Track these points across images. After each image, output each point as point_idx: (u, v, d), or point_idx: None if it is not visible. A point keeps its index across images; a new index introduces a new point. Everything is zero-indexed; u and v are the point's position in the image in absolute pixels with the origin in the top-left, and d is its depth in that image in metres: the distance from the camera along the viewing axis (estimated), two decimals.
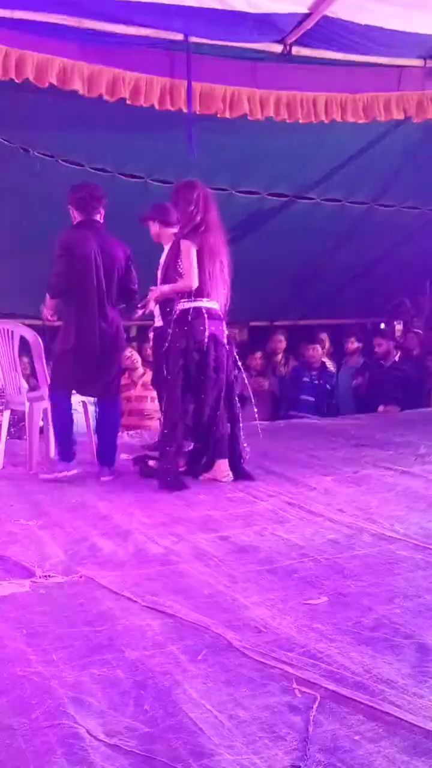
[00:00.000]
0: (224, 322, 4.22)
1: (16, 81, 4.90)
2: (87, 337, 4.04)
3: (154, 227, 4.77)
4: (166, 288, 4.20)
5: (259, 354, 7.28)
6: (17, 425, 5.15)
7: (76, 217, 4.24)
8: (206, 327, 4.01)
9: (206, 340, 3.99)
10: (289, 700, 1.67)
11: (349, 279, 8.06)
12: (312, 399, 6.74)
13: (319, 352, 6.91)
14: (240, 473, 4.04)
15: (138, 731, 1.55)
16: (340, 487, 3.78)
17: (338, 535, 2.94)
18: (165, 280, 4.70)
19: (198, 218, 4.11)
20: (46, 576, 2.55)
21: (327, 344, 7.40)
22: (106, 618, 2.16)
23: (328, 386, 6.82)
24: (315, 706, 1.63)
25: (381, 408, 6.54)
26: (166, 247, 4.75)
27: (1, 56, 4.82)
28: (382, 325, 8.19)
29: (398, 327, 7.77)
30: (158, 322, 4.87)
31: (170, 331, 4.07)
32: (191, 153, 5.47)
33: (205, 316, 4.03)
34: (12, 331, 4.45)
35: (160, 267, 4.78)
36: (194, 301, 4.06)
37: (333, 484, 3.85)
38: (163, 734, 1.53)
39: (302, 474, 4.07)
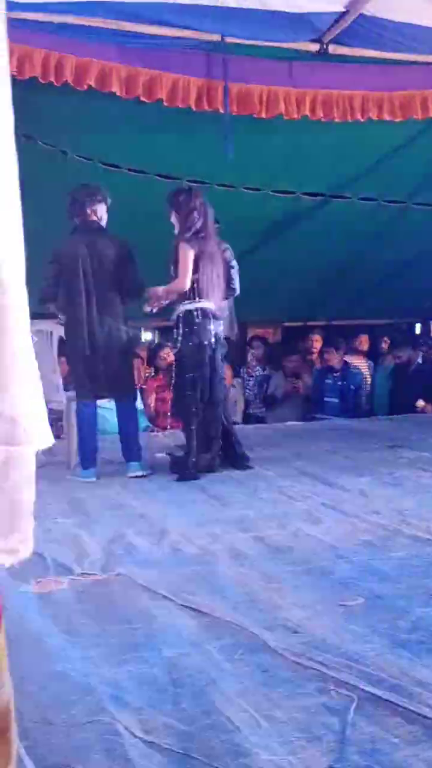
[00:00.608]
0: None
1: (56, 84, 4.96)
2: (78, 341, 4.07)
3: None
4: (160, 290, 4.27)
5: (295, 357, 7.25)
6: (55, 424, 5.23)
7: (75, 221, 4.28)
8: (213, 327, 4.22)
9: (213, 339, 4.22)
10: (325, 701, 1.67)
11: (385, 278, 7.99)
12: (336, 400, 6.70)
13: (334, 354, 6.83)
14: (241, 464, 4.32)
15: (175, 729, 1.57)
16: (376, 488, 3.76)
17: (374, 537, 2.92)
18: None
19: (199, 224, 4.31)
20: (83, 574, 2.58)
21: (320, 344, 7.29)
22: (143, 616, 2.18)
23: (352, 386, 6.75)
24: (352, 708, 1.62)
25: (420, 402, 6.45)
26: None
27: (41, 59, 4.89)
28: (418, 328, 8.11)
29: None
30: None
31: (179, 330, 4.22)
32: (228, 154, 5.49)
33: (210, 316, 4.22)
34: (51, 332, 4.52)
35: None
36: (198, 301, 4.22)
37: (368, 485, 3.83)
38: (201, 732, 1.55)
39: (337, 475, 4.05)
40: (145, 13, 5.09)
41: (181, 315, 4.25)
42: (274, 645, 1.96)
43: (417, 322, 8.79)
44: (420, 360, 6.61)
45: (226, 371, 4.93)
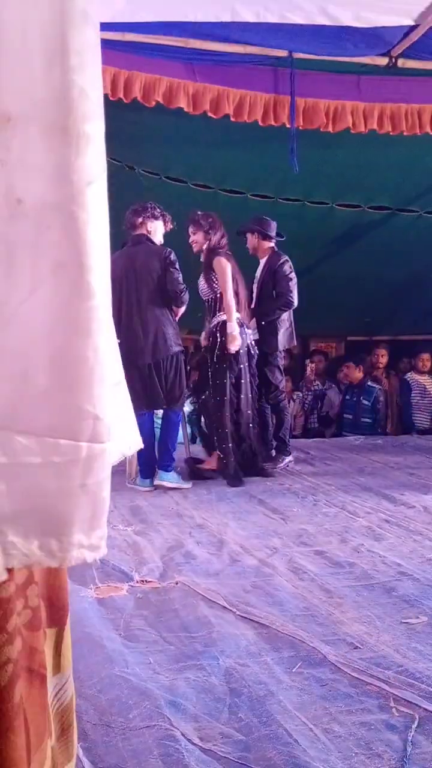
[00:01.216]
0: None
1: (125, 101, 5.08)
2: (128, 353, 4.07)
3: (253, 239, 4.82)
4: (230, 325, 4.33)
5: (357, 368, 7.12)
6: None
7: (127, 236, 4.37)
8: (245, 336, 4.43)
9: (245, 348, 4.44)
10: (386, 718, 1.64)
11: None
12: (350, 417, 6.58)
13: (353, 370, 6.69)
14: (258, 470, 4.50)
15: (232, 738, 1.56)
16: None
17: None
18: (261, 295, 4.75)
19: (225, 243, 4.47)
20: (143, 581, 2.60)
21: (386, 359, 7.13)
22: (202, 625, 2.18)
23: (366, 402, 6.58)
24: (414, 726, 1.58)
25: None
26: (262, 261, 4.79)
27: (111, 77, 5.02)
28: None
29: None
30: (254, 335, 4.90)
31: (217, 340, 4.36)
32: (293, 168, 5.50)
33: (243, 326, 4.43)
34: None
35: (256, 281, 4.83)
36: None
37: None
38: (258, 743, 1.53)
39: (400, 491, 3.97)
40: (215, 32, 5.15)
41: (219, 325, 4.35)
42: (334, 659, 1.93)
43: None
44: None
45: (285, 383, 4.97)
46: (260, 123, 5.49)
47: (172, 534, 3.22)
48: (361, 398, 6.57)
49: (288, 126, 5.50)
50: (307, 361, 6.97)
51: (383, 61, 5.55)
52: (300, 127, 5.58)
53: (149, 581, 2.60)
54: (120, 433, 1.10)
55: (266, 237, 4.84)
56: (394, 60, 5.54)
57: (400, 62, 5.55)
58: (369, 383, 6.65)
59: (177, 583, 2.56)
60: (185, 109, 5.23)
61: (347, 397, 6.72)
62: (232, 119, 5.40)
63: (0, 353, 0.85)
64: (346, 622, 2.19)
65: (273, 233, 4.86)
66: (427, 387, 6.80)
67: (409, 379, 6.88)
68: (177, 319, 4.30)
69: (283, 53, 5.40)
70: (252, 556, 2.88)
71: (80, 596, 2.40)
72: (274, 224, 4.91)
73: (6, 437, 0.85)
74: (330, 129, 5.65)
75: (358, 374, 6.66)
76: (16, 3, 0.82)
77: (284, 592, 2.47)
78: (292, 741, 1.53)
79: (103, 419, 0.90)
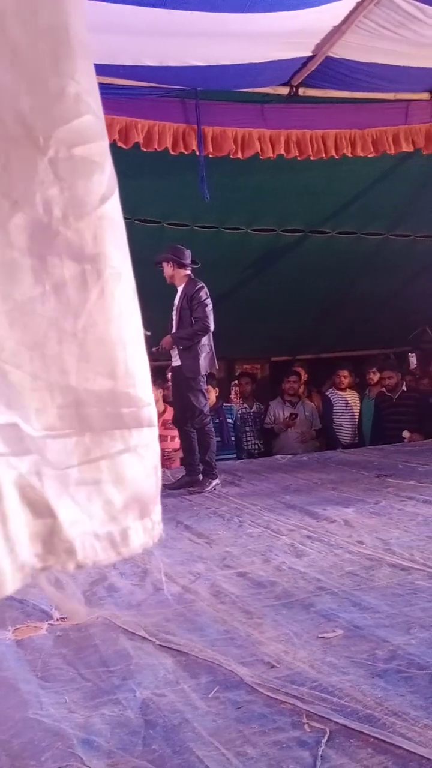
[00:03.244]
0: None
1: None
2: None
3: (168, 268, 4.87)
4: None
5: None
6: None
7: None
8: None
9: None
10: (299, 735, 1.65)
11: (369, 310, 8.07)
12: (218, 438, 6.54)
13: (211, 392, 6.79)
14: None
15: None
16: (361, 518, 3.75)
17: (357, 567, 2.91)
18: (180, 321, 4.80)
19: None
20: (63, 618, 2.56)
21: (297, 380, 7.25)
22: (120, 658, 2.16)
23: (229, 422, 6.55)
24: (324, 741, 1.61)
25: (406, 434, 6.46)
26: (180, 288, 4.84)
27: None
28: (391, 356, 8.14)
29: (411, 358, 7.70)
30: (176, 361, 4.94)
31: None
32: (204, 195, 5.59)
33: None
34: None
35: (175, 308, 4.88)
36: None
37: (354, 515, 3.81)
38: None
39: (323, 506, 4.04)
40: (118, 72, 5.22)
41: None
42: (250, 681, 1.94)
43: (406, 352, 8.83)
44: (405, 387, 6.61)
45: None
46: (171, 151, 5.58)
47: (95, 568, 3.18)
48: (220, 419, 6.55)
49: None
50: (233, 383, 7.03)
51: (284, 90, 5.75)
52: (210, 155, 5.70)
53: (69, 618, 2.56)
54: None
55: (182, 265, 4.90)
56: (295, 89, 5.74)
57: (301, 91, 5.76)
58: (225, 406, 6.69)
59: (98, 618, 2.53)
60: None
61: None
62: (142, 148, 5.46)
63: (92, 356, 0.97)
64: (264, 641, 2.21)
65: (188, 261, 4.92)
66: (348, 402, 6.96)
67: (330, 395, 7.02)
68: None
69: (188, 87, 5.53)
70: (175, 584, 2.88)
71: None
72: (188, 252, 4.97)
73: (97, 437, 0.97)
74: (240, 155, 5.80)
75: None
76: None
77: (205, 617, 2.47)
78: None
79: (152, 404, 1.04)
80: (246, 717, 1.76)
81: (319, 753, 1.56)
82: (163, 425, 5.95)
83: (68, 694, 1.95)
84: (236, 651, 2.16)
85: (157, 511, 1.05)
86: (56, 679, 2.05)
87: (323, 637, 2.21)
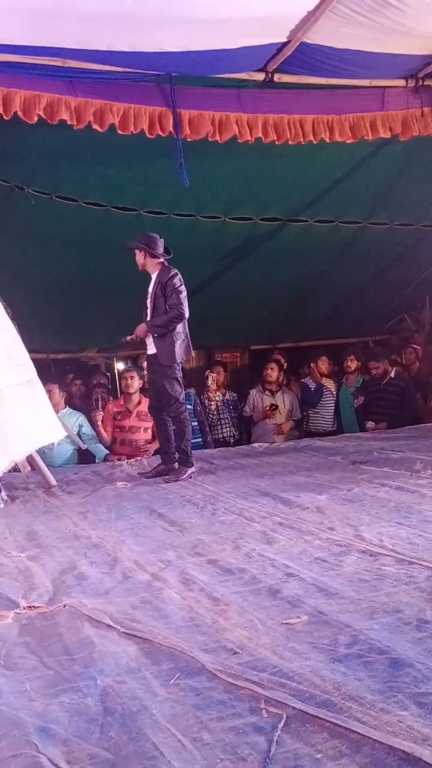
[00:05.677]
0: None
1: (5, 117, 5.00)
2: None
3: (140, 256, 4.84)
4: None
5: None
6: None
7: None
8: None
9: None
10: (255, 721, 1.66)
11: (347, 298, 8.08)
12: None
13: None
14: None
15: (100, 758, 1.54)
16: (334, 505, 3.76)
17: (326, 554, 2.92)
18: (154, 309, 4.78)
19: None
20: (30, 607, 2.55)
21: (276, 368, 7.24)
22: (84, 646, 2.15)
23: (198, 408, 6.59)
24: (280, 726, 1.61)
25: (370, 425, 6.51)
26: (153, 276, 4.82)
27: None
28: (371, 344, 8.17)
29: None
30: (150, 349, 4.92)
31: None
32: (183, 181, 5.54)
33: None
34: None
35: (149, 296, 4.85)
36: None
37: (327, 502, 3.83)
38: (124, 760, 1.52)
39: (296, 493, 4.05)
40: (93, 57, 5.15)
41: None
42: (211, 667, 1.94)
43: (384, 338, 8.86)
44: (392, 374, 6.64)
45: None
46: (147, 134, 5.49)
47: (66, 557, 3.17)
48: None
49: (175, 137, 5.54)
50: (207, 372, 7.01)
51: (260, 76, 5.70)
52: (188, 138, 5.62)
53: (36, 607, 2.54)
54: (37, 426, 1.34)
55: (153, 255, 4.87)
56: (270, 75, 5.69)
57: (276, 77, 5.71)
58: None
59: (65, 606, 2.52)
60: (68, 122, 5.18)
61: None
62: (118, 131, 5.38)
63: None
64: (229, 628, 2.21)
65: (159, 250, 4.88)
66: (326, 389, 6.97)
67: (308, 383, 7.03)
68: None
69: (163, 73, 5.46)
70: (144, 572, 2.87)
71: None
72: (161, 241, 4.93)
73: None
74: (218, 138, 5.71)
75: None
76: None
77: (172, 604, 2.47)
78: (158, 754, 1.53)
79: None
80: (205, 703, 1.76)
81: (275, 738, 1.56)
82: (137, 416, 5.92)
83: (29, 682, 1.94)
84: (200, 638, 2.16)
85: None
86: (18, 668, 2.04)
87: (287, 624, 2.22)
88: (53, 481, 4.81)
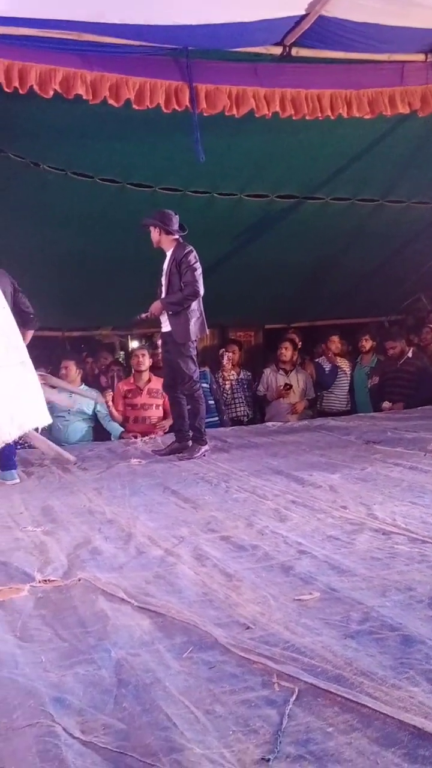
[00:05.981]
0: None
1: (21, 91, 4.95)
2: None
3: (155, 233, 4.82)
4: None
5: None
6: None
7: None
8: None
9: None
10: (268, 694, 1.68)
11: (363, 277, 8.02)
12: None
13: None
14: None
15: (114, 728, 1.57)
16: (347, 483, 3.77)
17: (338, 531, 2.93)
18: (168, 286, 4.77)
19: None
20: (45, 580, 2.58)
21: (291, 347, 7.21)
22: (98, 619, 2.18)
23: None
24: (292, 700, 1.63)
25: (386, 404, 6.48)
26: (168, 253, 4.80)
27: (4, 69, 4.89)
28: (386, 323, 8.11)
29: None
30: (165, 327, 4.92)
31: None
32: (199, 157, 5.48)
33: None
34: None
35: (164, 273, 4.84)
36: None
37: (340, 481, 3.83)
38: (137, 731, 1.55)
39: (309, 472, 4.06)
40: (108, 30, 5.10)
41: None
42: (224, 642, 1.96)
43: (400, 318, 8.79)
44: (410, 354, 6.60)
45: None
46: (163, 108, 5.42)
47: (81, 532, 3.20)
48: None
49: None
50: (222, 350, 7.01)
51: (277, 50, 5.61)
52: (204, 112, 5.55)
53: (52, 580, 2.57)
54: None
55: (168, 232, 4.84)
56: (287, 49, 5.60)
57: (294, 51, 5.62)
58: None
59: (79, 580, 2.55)
60: (84, 97, 5.13)
61: None
62: (134, 105, 5.32)
63: None
64: (242, 603, 2.23)
65: (175, 227, 4.86)
66: (340, 369, 6.95)
67: (322, 363, 7.01)
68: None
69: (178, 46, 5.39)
70: (158, 547, 2.89)
71: None
72: (176, 218, 4.91)
73: None
74: (234, 112, 5.63)
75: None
76: None
77: (185, 579, 2.49)
78: (171, 725, 1.55)
79: None
80: (217, 677, 1.78)
81: (287, 711, 1.58)
82: (148, 393, 5.94)
83: (45, 654, 1.97)
84: (213, 612, 2.18)
85: None
86: (33, 640, 2.08)
87: (300, 600, 2.23)
88: (72, 458, 4.83)
